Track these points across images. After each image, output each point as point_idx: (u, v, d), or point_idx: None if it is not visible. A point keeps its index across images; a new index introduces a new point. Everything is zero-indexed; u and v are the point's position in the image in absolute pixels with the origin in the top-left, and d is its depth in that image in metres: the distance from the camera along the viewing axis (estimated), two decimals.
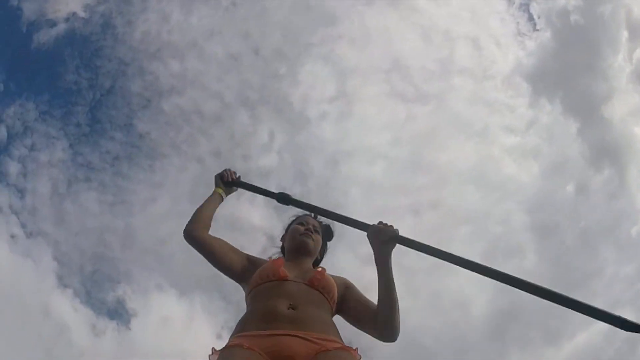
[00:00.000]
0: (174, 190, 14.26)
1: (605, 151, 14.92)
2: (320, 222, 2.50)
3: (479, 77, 16.04)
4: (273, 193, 2.52)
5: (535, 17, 15.58)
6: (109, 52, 13.79)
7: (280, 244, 2.52)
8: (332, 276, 2.21)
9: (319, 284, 2.07)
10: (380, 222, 2.17)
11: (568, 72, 15.20)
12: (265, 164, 14.50)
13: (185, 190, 13.97)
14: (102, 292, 13.46)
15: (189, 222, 2.35)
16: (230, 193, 2.61)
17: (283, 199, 2.47)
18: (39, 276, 12.75)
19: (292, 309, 1.93)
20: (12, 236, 12.60)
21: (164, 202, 14.35)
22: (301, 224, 2.43)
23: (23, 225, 12.86)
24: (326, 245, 2.51)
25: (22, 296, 12.30)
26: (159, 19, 14.39)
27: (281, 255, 2.46)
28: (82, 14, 13.37)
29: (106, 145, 13.82)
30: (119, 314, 13.12)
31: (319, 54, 15.24)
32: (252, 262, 2.26)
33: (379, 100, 15.64)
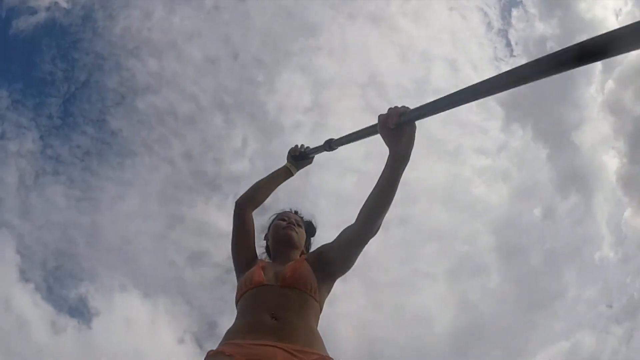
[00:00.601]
0: (143, 190, 14.19)
1: (573, 178, 15.28)
2: (301, 217, 2.50)
3: None
4: (321, 147, 2.52)
5: (512, 43, 15.91)
6: (87, 45, 13.70)
7: (264, 243, 2.50)
8: (307, 257, 2.18)
9: (292, 281, 2.02)
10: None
11: (541, 99, 15.51)
12: (237, 169, 14.50)
13: (155, 190, 13.92)
14: (64, 288, 13.29)
15: (245, 192, 2.48)
16: (302, 167, 2.71)
17: (329, 146, 2.46)
18: (0, 268, 12.56)
19: (275, 319, 1.91)
20: None
21: (132, 201, 14.26)
22: (282, 219, 2.41)
23: None
24: (310, 240, 2.50)
25: None
26: (141, 15, 14.39)
27: (266, 255, 2.45)
28: (63, 4, 13.30)
29: (77, 140, 13.68)
30: (80, 312, 12.97)
31: (297, 64, 15.32)
32: (250, 258, 2.29)
33: (354, 114, 15.72)
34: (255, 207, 2.46)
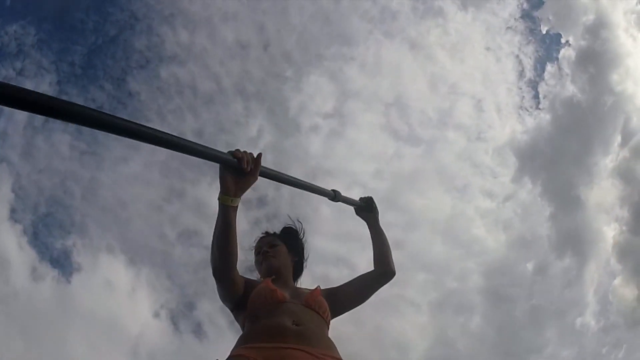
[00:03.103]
0: (147, 157, 14.18)
1: (571, 241, 15.27)
2: (274, 234, 2.49)
3: (473, 137, 16.30)
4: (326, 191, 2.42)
5: (541, 96, 15.91)
6: (123, 2, 13.82)
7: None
8: (323, 291, 2.27)
9: (314, 304, 2.08)
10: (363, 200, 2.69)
11: (556, 158, 15.54)
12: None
13: (159, 159, 13.90)
14: (51, 237, 13.32)
15: (215, 258, 1.91)
16: (246, 188, 1.83)
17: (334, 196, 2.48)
18: None
19: (297, 325, 1.93)
20: None
21: (135, 166, 14.30)
22: (257, 253, 2.42)
23: None
24: (296, 242, 2.50)
25: None
26: None
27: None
28: None
29: (94, 93, 13.81)
30: (62, 264, 13.01)
31: (327, 68, 15.34)
32: (247, 286, 2.14)
33: (373, 130, 15.78)
34: (234, 267, 1.96)
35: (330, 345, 1.97)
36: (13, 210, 12.73)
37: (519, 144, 15.91)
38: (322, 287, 2.30)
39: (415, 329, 14.70)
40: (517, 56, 15.94)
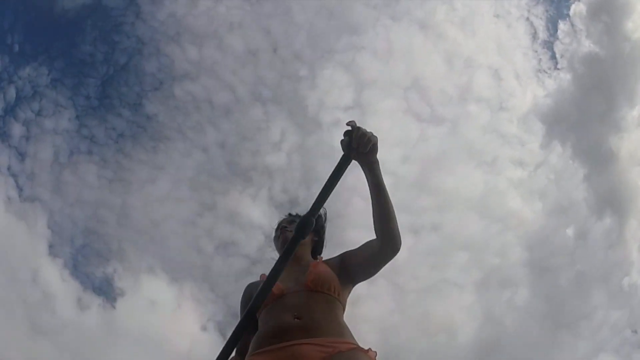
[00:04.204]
0: (174, 175, 14.28)
1: (609, 200, 14.96)
2: (297, 215, 2.49)
3: (495, 108, 16.07)
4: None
5: (558, 56, 15.66)
6: (128, 29, 13.81)
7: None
8: (329, 260, 2.23)
9: (316, 284, 2.04)
10: (349, 133, 2.01)
11: (583, 118, 15.26)
12: (273, 161, 14.52)
13: (186, 176, 14.02)
14: (91, 266, 13.48)
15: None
16: None
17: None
18: (31, 241, 12.77)
19: (298, 318, 1.91)
20: (9, 198, 12.64)
21: (163, 185, 14.36)
22: (276, 229, 2.46)
23: (20, 188, 12.92)
24: (317, 225, 2.26)
25: (12, 258, 12.32)
26: (187, 2, 14.48)
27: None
28: None
29: (113, 122, 13.81)
30: (106, 291, 13.14)
31: (339, 61, 15.25)
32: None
33: (394, 116, 15.65)
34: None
35: (338, 329, 1.94)
36: (51, 246, 12.90)
37: (543, 108, 15.63)
38: (331, 257, 2.27)
39: (461, 310, 14.55)
40: (528, 19, 15.63)
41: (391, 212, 2.08)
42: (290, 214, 2.53)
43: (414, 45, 15.78)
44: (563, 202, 15.67)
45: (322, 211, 2.38)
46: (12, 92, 12.75)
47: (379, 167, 2.07)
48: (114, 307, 12.97)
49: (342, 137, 2.04)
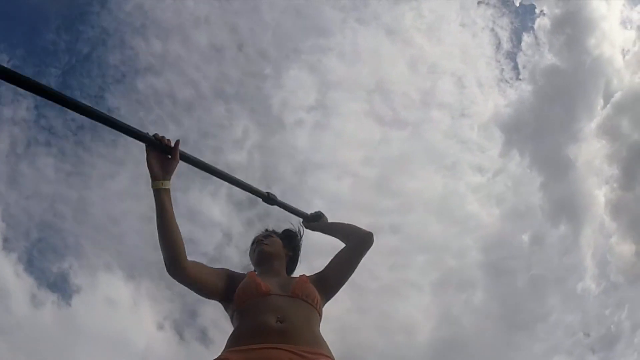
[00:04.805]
0: (134, 170, 14.05)
1: (564, 208, 15.36)
2: (272, 231, 2.52)
3: (457, 114, 16.32)
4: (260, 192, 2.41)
5: (520, 67, 15.94)
6: (93, 19, 13.64)
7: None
8: (309, 277, 2.24)
9: (301, 293, 2.06)
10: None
11: (542, 128, 15.62)
12: (234, 159, 14.45)
13: (146, 171, 13.84)
14: (47, 262, 13.25)
15: (165, 255, 1.93)
16: (171, 170, 2.00)
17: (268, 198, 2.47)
18: None
19: (280, 322, 1.90)
20: None
21: (122, 180, 14.18)
22: (252, 243, 2.45)
23: None
24: (293, 241, 2.53)
25: None
26: None
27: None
28: None
29: (72, 113, 13.50)
30: (61, 287, 12.94)
31: (305, 62, 15.27)
32: (233, 279, 2.14)
33: (357, 118, 15.75)
34: (184, 256, 1.95)
35: (317, 340, 1.95)
36: (5, 240, 12.64)
37: (503, 117, 15.95)
38: (308, 275, 2.27)
39: (419, 310, 14.76)
40: (492, 29, 15.90)
41: (350, 229, 2.46)
42: (266, 230, 2.53)
43: (380, 49, 15.92)
44: (520, 208, 16.05)
45: (297, 229, 2.59)
46: None
47: (324, 223, 2.64)
48: (69, 305, 12.79)
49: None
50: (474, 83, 16.41)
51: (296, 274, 2.42)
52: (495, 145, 16.05)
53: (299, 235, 2.57)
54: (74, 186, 13.78)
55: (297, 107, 15.31)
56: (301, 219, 2.63)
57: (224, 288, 2.09)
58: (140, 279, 13.68)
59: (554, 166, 15.56)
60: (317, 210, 2.67)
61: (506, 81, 16.15)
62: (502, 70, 16.10)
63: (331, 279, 2.25)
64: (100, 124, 1.83)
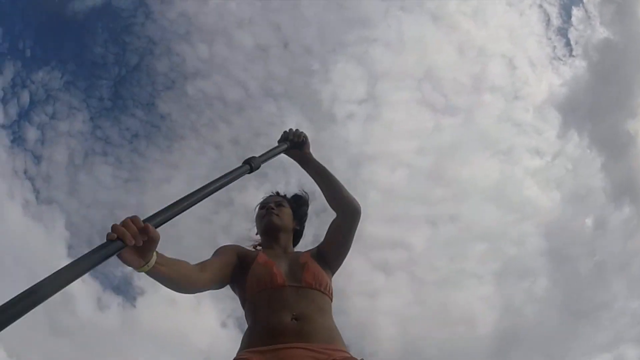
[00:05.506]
0: (189, 173, 14.26)
1: (627, 188, 14.81)
2: (284, 196, 2.50)
3: (510, 97, 15.93)
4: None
5: (572, 42, 15.48)
6: (138, 29, 13.83)
7: (258, 237, 2.46)
8: (310, 252, 2.25)
9: (314, 282, 2.05)
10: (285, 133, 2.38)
11: (599, 105, 15.12)
12: (287, 157, 14.45)
13: (201, 173, 14.01)
14: (110, 266, 13.53)
15: (181, 292, 1.89)
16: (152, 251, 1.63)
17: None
18: (49, 243, 12.88)
19: (296, 319, 1.91)
20: (26, 201, 12.76)
21: (178, 183, 14.35)
22: (262, 207, 2.42)
23: (37, 192, 13.02)
24: (302, 211, 2.51)
25: (31, 261, 12.41)
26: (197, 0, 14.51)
27: (259, 247, 2.39)
28: None
29: (126, 122, 13.79)
30: (125, 290, 13.21)
31: (351, 54, 15.19)
32: (242, 259, 2.13)
33: (408, 107, 15.56)
34: (194, 278, 1.91)
35: (332, 334, 1.95)
36: (70, 247, 13.00)
37: (559, 97, 15.47)
38: (308, 250, 2.29)
39: (480, 301, 14.52)
40: (540, 6, 15.41)
41: (337, 183, 2.30)
42: (277, 193, 2.52)
43: (426, 36, 15.69)
44: (581, 190, 15.55)
45: (305, 196, 2.54)
46: (26, 97, 12.86)
47: (313, 156, 2.39)
48: (133, 306, 13.05)
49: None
50: (525, 63, 15.94)
51: None
52: (552, 126, 15.59)
53: (307, 204, 2.54)
54: (132, 192, 14.08)
55: (347, 100, 15.24)
56: (285, 146, 2.31)
57: (235, 273, 2.11)
58: None
59: (615, 144, 15.03)
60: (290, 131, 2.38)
61: (559, 59, 15.60)
62: (554, 47, 15.57)
63: (331, 257, 2.23)
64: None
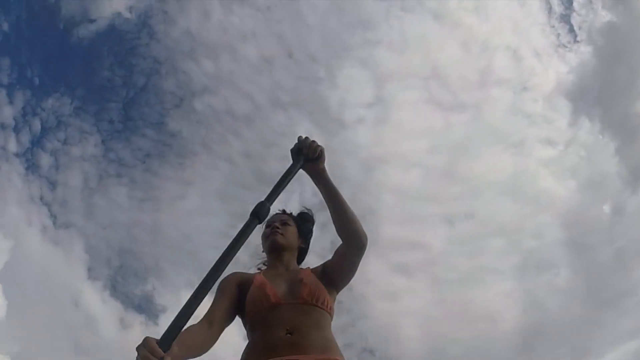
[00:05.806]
0: (203, 188, 14.39)
1: None
2: (290, 214, 2.49)
3: (518, 89, 15.88)
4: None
5: (576, 28, 15.41)
6: (144, 50, 14.04)
7: (264, 256, 2.47)
8: (314, 270, 2.24)
9: (311, 298, 2.05)
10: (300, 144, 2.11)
11: (607, 90, 15.04)
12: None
13: (214, 188, 14.15)
14: (130, 286, 13.67)
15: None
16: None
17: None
18: (70, 266, 13.01)
19: (290, 333, 1.93)
20: (44, 227, 12.88)
21: (193, 199, 14.51)
22: (267, 226, 2.41)
23: (53, 217, 13.33)
24: (307, 229, 2.49)
25: (52, 285, 12.53)
26: (199, 17, 14.66)
27: (264, 266, 2.41)
28: (126, 14, 13.71)
29: (138, 142, 14.13)
30: (147, 308, 13.30)
31: (356, 58, 15.22)
32: (241, 288, 2.17)
33: (416, 107, 15.58)
34: (209, 341, 1.98)
35: (327, 344, 1.96)
36: (90, 269, 13.17)
37: (567, 84, 15.43)
38: (312, 268, 2.27)
39: (502, 297, 14.45)
40: None
41: (349, 212, 2.12)
42: (284, 211, 2.50)
43: (429, 34, 15.72)
44: (596, 177, 15.46)
45: (312, 215, 2.51)
46: (37, 124, 13.10)
47: (327, 174, 2.15)
48: (156, 324, 13.11)
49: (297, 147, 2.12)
50: (531, 54, 15.88)
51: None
52: (562, 115, 15.54)
53: (313, 221, 2.52)
54: (148, 211, 14.24)
55: (355, 105, 15.29)
56: (297, 168, 2.08)
57: (238, 306, 2.14)
58: None
59: (627, 128, 14.96)
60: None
61: (564, 46, 15.55)
62: (558, 35, 15.51)
63: (336, 277, 2.21)
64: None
